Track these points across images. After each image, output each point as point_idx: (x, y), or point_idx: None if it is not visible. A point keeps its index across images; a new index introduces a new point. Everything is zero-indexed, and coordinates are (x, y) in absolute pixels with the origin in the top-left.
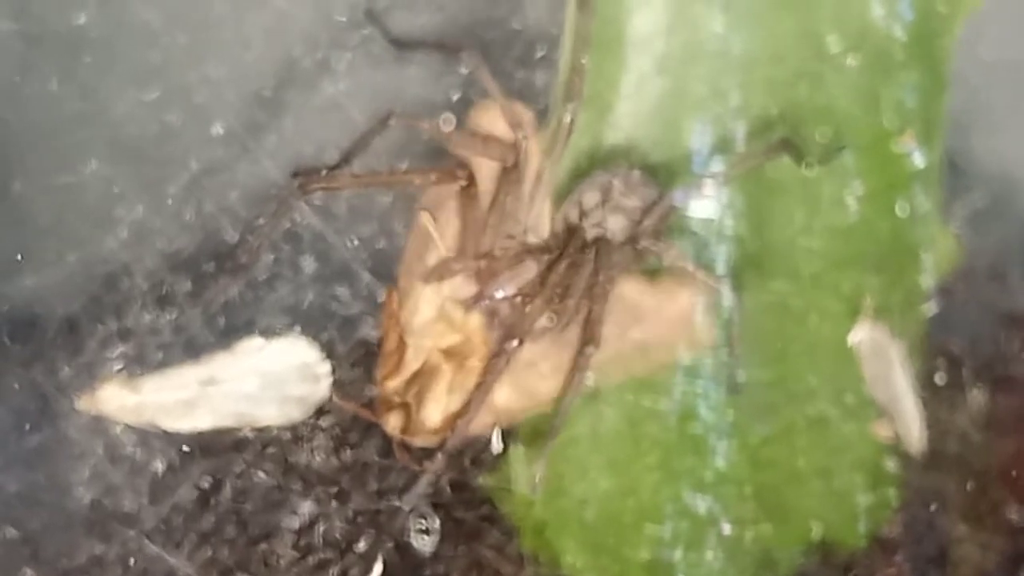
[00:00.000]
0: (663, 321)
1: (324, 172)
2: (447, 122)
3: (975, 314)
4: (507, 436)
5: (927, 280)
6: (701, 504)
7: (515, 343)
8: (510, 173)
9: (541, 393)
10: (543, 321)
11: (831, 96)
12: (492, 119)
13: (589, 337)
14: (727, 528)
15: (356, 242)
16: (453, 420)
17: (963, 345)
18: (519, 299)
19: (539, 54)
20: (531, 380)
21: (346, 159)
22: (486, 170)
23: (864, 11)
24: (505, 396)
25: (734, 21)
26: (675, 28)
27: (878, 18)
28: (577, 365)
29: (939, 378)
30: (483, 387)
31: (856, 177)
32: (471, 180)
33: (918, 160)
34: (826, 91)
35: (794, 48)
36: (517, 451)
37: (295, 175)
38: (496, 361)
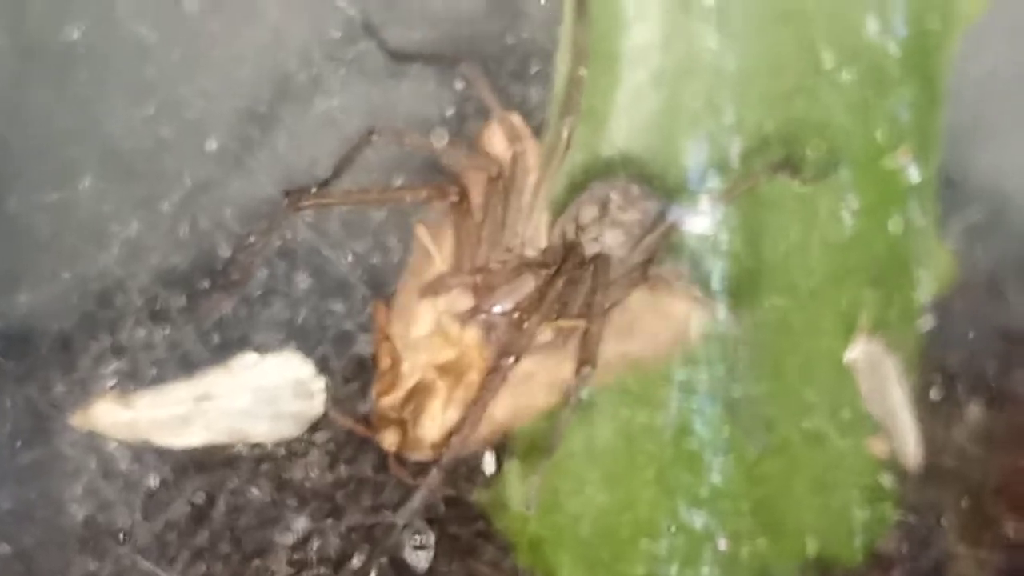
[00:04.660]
0: (658, 335)
1: (315, 189)
2: (439, 137)
3: (971, 329)
4: (501, 452)
5: (923, 295)
6: (697, 519)
7: (511, 360)
8: (495, 184)
9: (536, 406)
10: (540, 337)
11: (826, 111)
12: (492, 136)
13: (586, 357)
14: (723, 543)
15: (350, 257)
16: (450, 435)
17: (959, 360)
18: (516, 314)
19: (534, 69)
20: (527, 393)
21: (334, 175)
22: (482, 184)
23: (859, 26)
24: (500, 409)
25: (729, 36)
26: (670, 42)
27: (873, 33)
28: (574, 384)
29: (935, 393)
30: (479, 403)
31: (851, 192)
32: (463, 195)
33: (913, 175)
34: (821, 106)
35: (789, 63)
36: (512, 467)
37: (286, 193)
38: (492, 378)
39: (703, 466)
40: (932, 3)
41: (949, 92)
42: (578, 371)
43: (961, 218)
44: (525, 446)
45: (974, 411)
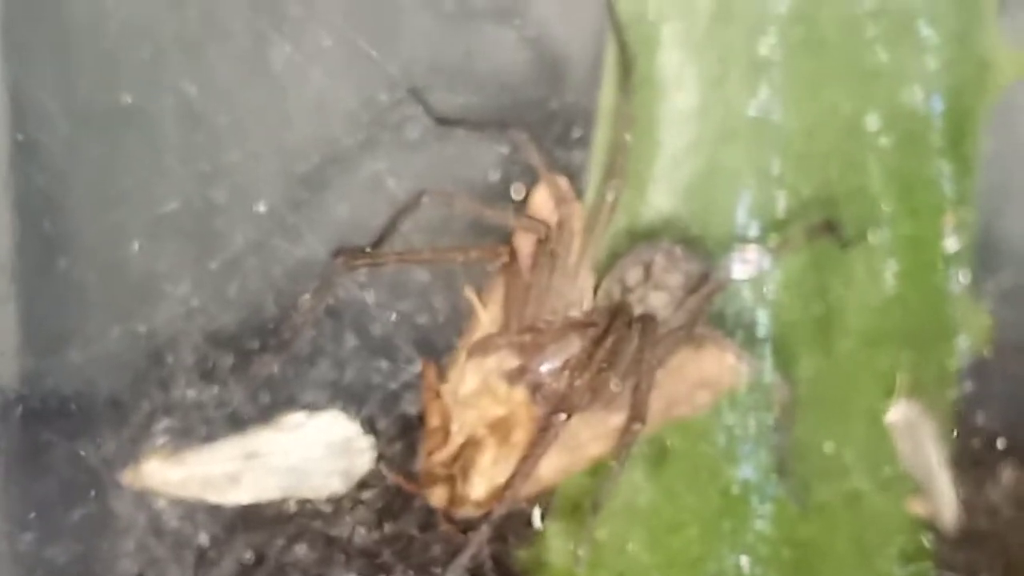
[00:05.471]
0: (702, 393)
1: (367, 250)
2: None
3: (1008, 391)
4: (544, 509)
5: (960, 357)
6: (744, 564)
7: (563, 417)
8: (543, 246)
9: (580, 460)
10: (590, 394)
11: (863, 175)
12: (540, 199)
13: (636, 415)
14: None
15: (396, 317)
16: (499, 492)
17: (996, 422)
18: (564, 373)
19: (577, 134)
20: (571, 448)
21: (383, 237)
22: (530, 246)
23: (900, 92)
24: (546, 465)
25: (769, 100)
26: (708, 109)
27: (914, 100)
28: (623, 441)
29: (972, 455)
30: (530, 460)
31: (890, 255)
32: (512, 256)
33: (952, 240)
34: (858, 170)
35: (829, 127)
36: (553, 524)
37: (337, 253)
38: (544, 435)
39: (747, 519)
40: (970, 73)
41: (986, 155)
42: (628, 428)
43: (997, 281)
44: (568, 503)
45: (1009, 473)
